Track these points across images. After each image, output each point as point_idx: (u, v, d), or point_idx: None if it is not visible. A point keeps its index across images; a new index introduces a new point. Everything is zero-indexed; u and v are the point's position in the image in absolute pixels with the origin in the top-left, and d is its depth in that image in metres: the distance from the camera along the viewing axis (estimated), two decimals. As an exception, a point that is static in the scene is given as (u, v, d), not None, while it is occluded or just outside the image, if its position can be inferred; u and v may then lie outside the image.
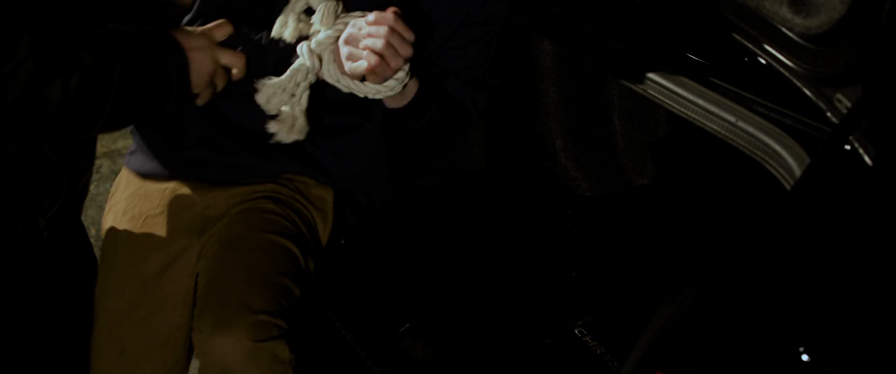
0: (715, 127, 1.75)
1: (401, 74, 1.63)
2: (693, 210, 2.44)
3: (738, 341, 1.23)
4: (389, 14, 1.57)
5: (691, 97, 1.81)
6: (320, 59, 1.64)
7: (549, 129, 2.58)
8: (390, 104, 1.78)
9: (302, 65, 1.63)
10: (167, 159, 1.91)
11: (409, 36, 1.58)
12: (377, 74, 1.60)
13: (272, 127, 1.68)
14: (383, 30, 1.56)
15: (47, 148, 1.53)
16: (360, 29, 1.59)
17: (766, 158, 1.63)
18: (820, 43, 1.50)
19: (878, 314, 1.22)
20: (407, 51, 1.59)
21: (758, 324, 1.23)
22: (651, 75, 1.90)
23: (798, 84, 1.56)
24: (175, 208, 1.88)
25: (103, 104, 1.43)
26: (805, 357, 1.16)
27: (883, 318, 1.21)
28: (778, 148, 1.60)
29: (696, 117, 1.80)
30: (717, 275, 1.31)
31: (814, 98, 1.53)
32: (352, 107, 1.88)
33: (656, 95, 1.90)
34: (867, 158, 1.31)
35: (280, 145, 1.81)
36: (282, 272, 1.77)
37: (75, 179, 1.64)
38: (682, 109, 1.84)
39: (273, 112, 1.67)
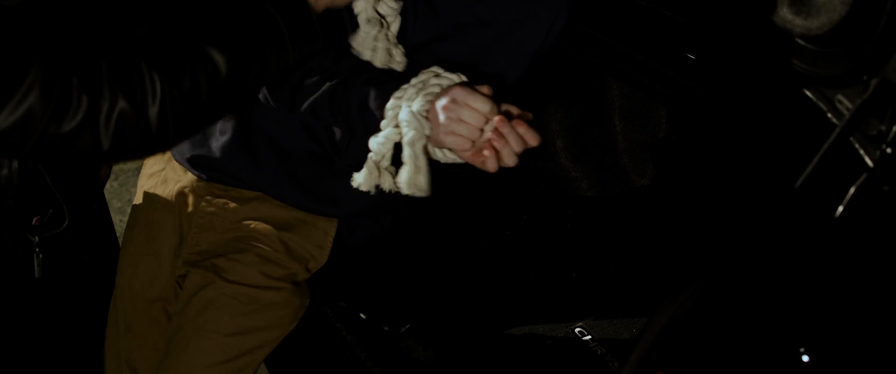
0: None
1: None
2: (693, 211, 2.44)
3: (738, 342, 1.23)
4: (531, 133, 1.42)
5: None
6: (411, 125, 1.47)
7: (549, 129, 2.59)
8: None
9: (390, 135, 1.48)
10: (189, 148, 1.87)
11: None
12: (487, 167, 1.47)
13: (356, 179, 1.56)
14: (520, 146, 1.42)
15: (50, 183, 1.53)
16: (469, 113, 1.42)
17: None
18: (820, 44, 1.50)
19: (878, 315, 1.22)
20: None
21: (758, 325, 1.23)
22: (651, 78, 1.91)
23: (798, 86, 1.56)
24: (179, 209, 1.88)
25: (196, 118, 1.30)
26: (805, 358, 1.16)
27: (883, 318, 1.21)
28: None
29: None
30: (717, 276, 1.31)
31: (814, 99, 1.53)
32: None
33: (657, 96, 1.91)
34: (868, 160, 1.31)
35: (290, 173, 1.77)
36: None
37: (80, 209, 1.64)
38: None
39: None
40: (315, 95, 1.58)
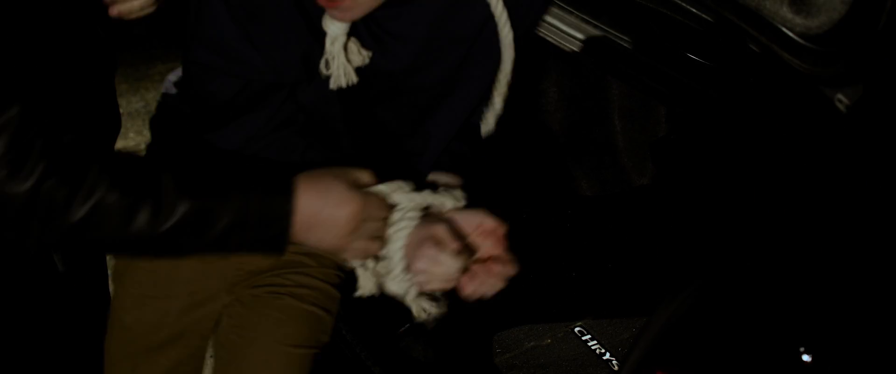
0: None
1: None
2: (693, 210, 2.44)
3: (738, 341, 1.23)
4: (509, 267, 1.43)
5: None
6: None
7: (549, 129, 2.58)
8: None
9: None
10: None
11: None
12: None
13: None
14: (499, 285, 1.43)
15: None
16: (439, 271, 1.43)
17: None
18: (821, 43, 1.50)
19: (878, 315, 1.22)
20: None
21: (758, 324, 1.23)
22: (651, 77, 1.91)
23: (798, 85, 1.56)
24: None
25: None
26: (805, 358, 1.16)
27: (883, 318, 1.21)
28: None
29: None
30: (717, 275, 1.31)
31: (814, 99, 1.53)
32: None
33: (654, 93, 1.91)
34: (867, 161, 1.31)
35: None
36: None
37: None
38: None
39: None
40: None
